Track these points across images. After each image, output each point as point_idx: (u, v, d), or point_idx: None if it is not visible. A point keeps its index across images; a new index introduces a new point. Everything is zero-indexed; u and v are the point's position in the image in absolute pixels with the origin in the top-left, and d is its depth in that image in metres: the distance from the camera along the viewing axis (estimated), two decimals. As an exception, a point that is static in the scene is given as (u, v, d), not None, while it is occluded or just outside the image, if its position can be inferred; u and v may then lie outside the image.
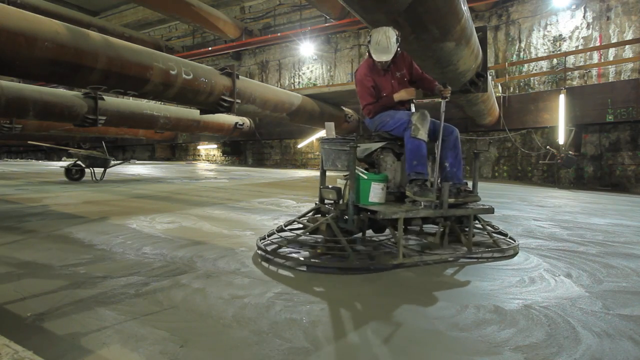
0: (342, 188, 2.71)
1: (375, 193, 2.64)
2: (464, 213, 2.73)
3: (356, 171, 2.62)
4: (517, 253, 2.72)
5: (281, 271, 2.26)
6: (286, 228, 2.90)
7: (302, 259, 2.44)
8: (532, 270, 2.33)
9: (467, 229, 2.77)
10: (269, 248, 2.53)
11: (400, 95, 2.96)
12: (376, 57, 2.88)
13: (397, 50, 2.84)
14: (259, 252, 2.57)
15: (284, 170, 13.98)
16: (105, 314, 1.61)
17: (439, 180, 2.77)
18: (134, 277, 2.07)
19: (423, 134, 2.72)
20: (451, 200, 2.68)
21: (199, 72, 6.08)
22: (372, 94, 3.00)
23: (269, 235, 2.78)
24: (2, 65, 4.07)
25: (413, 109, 2.94)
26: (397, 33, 2.75)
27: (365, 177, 2.64)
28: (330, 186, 2.82)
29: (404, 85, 3.06)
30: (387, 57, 2.86)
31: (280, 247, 2.53)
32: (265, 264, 2.38)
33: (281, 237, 2.76)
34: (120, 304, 1.72)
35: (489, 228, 3.02)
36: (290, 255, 2.47)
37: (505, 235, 3.11)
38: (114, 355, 1.29)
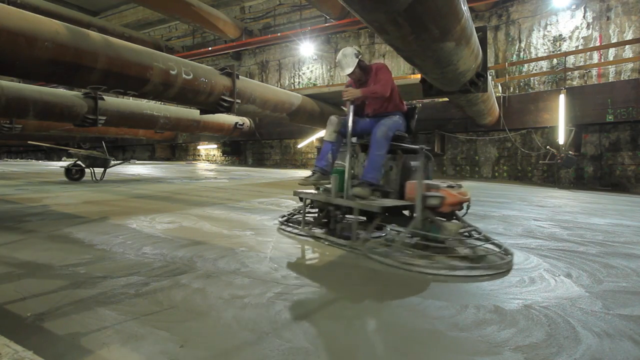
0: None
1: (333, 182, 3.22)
2: (346, 204, 2.96)
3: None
4: (507, 270, 2.31)
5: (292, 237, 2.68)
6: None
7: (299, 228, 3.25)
8: (532, 270, 2.33)
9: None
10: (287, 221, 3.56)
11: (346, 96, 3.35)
12: (340, 72, 3.52)
13: (357, 63, 3.25)
14: (280, 225, 3.47)
15: (284, 170, 13.98)
16: (105, 314, 1.61)
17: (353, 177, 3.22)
18: (134, 277, 2.07)
19: (327, 136, 3.34)
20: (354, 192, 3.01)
21: (199, 72, 6.07)
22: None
23: (289, 214, 3.63)
24: (2, 65, 4.06)
25: (350, 112, 3.19)
26: (357, 50, 3.27)
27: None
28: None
29: None
30: (348, 71, 3.29)
31: (289, 219, 3.53)
32: (284, 232, 3.29)
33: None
34: (120, 304, 1.72)
35: (473, 234, 2.80)
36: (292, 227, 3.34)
37: (500, 246, 2.65)
38: (114, 355, 1.29)
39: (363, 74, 3.37)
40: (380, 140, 3.05)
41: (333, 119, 3.35)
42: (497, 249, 2.66)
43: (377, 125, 3.14)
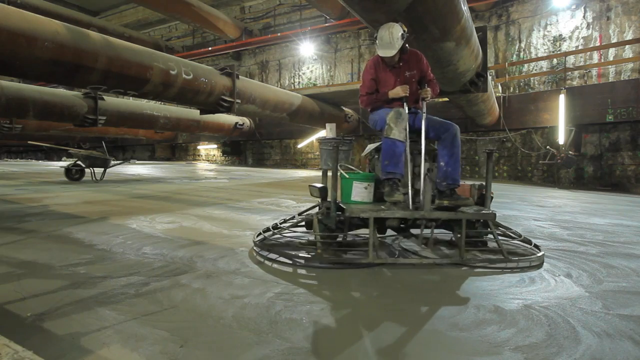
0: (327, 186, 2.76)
1: (358, 192, 2.66)
2: (452, 217, 2.46)
3: (341, 171, 2.69)
4: (539, 265, 2.41)
5: (275, 265, 2.30)
6: (283, 225, 3.06)
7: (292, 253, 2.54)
8: (532, 270, 2.33)
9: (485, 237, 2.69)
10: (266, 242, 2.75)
11: (395, 92, 2.82)
12: (380, 52, 2.80)
13: (402, 46, 2.76)
14: (255, 248, 2.68)
15: (284, 170, 13.98)
16: (105, 314, 1.61)
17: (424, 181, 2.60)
18: (134, 277, 2.07)
19: (396, 133, 2.62)
20: (444, 202, 2.57)
21: (199, 72, 6.07)
22: (368, 86, 2.95)
23: (264, 232, 2.95)
24: (2, 65, 4.06)
25: (405, 107, 2.76)
26: (404, 30, 2.72)
27: (347, 177, 2.70)
28: (316, 184, 2.82)
29: (410, 85, 2.89)
30: (390, 53, 2.76)
31: (274, 244, 2.71)
32: (259, 259, 2.47)
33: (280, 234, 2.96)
34: (120, 304, 1.72)
35: (502, 235, 2.86)
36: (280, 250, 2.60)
37: (529, 242, 2.81)
38: (114, 355, 1.29)
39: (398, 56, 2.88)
40: (458, 136, 2.70)
41: (403, 112, 2.71)
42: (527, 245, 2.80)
43: (447, 125, 2.75)
